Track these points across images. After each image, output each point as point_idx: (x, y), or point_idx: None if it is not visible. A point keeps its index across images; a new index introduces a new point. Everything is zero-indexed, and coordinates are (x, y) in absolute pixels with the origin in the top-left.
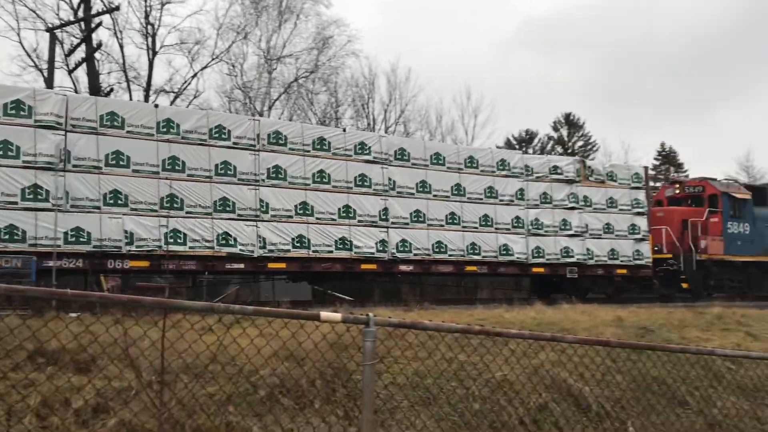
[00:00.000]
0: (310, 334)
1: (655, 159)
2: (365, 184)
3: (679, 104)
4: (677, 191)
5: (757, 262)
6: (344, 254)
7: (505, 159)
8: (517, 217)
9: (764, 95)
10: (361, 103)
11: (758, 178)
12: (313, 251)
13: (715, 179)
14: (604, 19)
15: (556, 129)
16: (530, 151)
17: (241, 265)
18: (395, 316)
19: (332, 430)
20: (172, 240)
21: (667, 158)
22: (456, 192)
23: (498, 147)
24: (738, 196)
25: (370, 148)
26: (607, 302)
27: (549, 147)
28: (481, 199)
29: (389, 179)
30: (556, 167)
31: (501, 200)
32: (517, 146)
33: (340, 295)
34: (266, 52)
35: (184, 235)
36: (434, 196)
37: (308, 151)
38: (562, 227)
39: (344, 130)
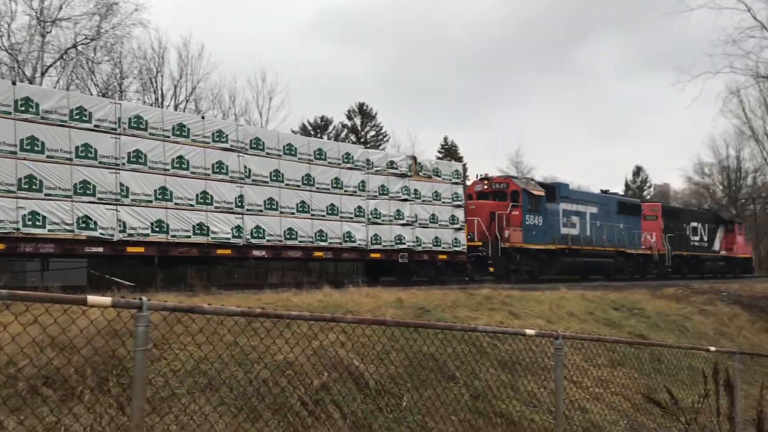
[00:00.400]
0: (75, 319)
1: (439, 152)
2: (222, 171)
3: (463, 102)
4: (485, 186)
5: (547, 250)
6: (201, 239)
7: (350, 153)
8: (359, 207)
9: (534, 98)
10: (149, 76)
11: (525, 172)
12: (172, 236)
13: (516, 177)
14: (401, 14)
15: (350, 117)
16: (324, 137)
17: (100, 249)
18: (179, 302)
19: (101, 420)
20: (30, 222)
21: (449, 151)
22: (306, 182)
23: (293, 132)
24: (534, 192)
25: (227, 136)
26: (393, 285)
27: (343, 135)
28: (329, 189)
29: (245, 167)
30: (392, 162)
31: (345, 191)
32: (312, 132)
33: (119, 280)
34: (39, 13)
35: (43, 217)
36: (286, 185)
37: (168, 137)
38: (397, 217)
39: (203, 117)
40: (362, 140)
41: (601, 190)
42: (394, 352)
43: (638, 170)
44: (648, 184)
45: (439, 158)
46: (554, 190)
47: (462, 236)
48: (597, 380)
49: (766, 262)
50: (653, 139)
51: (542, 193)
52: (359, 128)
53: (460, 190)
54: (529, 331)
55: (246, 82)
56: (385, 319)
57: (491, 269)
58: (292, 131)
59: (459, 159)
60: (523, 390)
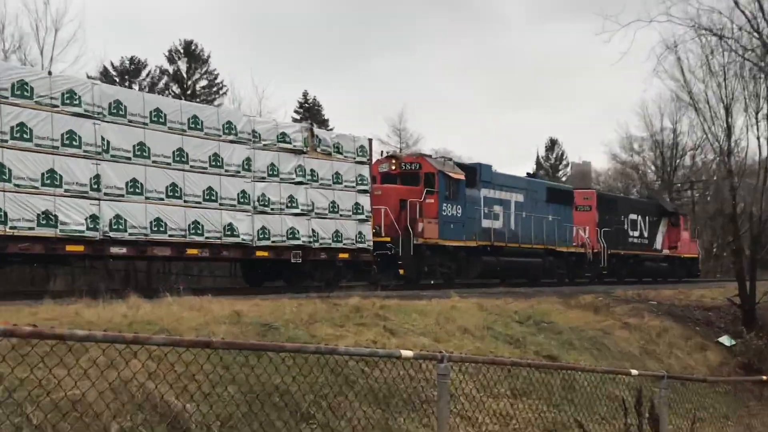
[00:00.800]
0: None
1: (296, 111)
2: (74, 143)
3: (331, 48)
4: (393, 167)
5: (467, 247)
6: (47, 232)
7: (232, 122)
8: (244, 192)
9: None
10: None
11: (411, 144)
12: (10, 227)
13: (430, 156)
14: None
15: (172, 61)
16: (136, 86)
17: None
18: None
19: None
20: None
21: (310, 111)
22: (178, 158)
23: (97, 78)
24: (453, 176)
25: (80, 97)
26: (233, 294)
27: (162, 84)
28: (206, 168)
29: (102, 138)
30: (284, 134)
31: (227, 171)
32: (117, 79)
33: None
34: None
35: None
36: (154, 162)
37: (6, 98)
38: (289, 204)
39: (49, 72)
40: (189, 92)
41: (528, 174)
42: (225, 385)
43: (552, 144)
44: (564, 162)
45: (295, 120)
46: (474, 173)
47: (368, 229)
48: (495, 415)
49: (705, 263)
50: (571, 106)
51: (462, 177)
52: (184, 75)
53: (365, 171)
54: (406, 353)
55: (22, 6)
56: (212, 340)
57: (401, 271)
58: (89, 77)
59: (323, 122)
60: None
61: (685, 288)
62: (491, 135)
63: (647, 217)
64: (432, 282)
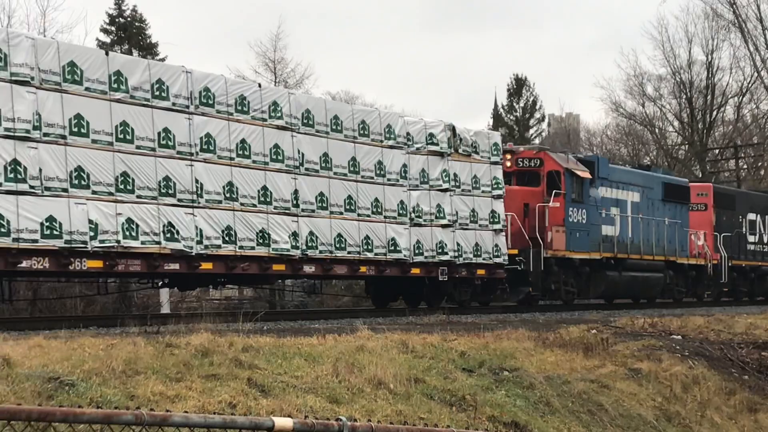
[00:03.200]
0: None
1: (104, 30)
2: (279, 158)
3: None
4: (507, 163)
5: (591, 260)
6: (263, 251)
7: (391, 125)
8: (402, 202)
9: None
10: None
11: (292, 84)
12: (239, 247)
13: (550, 150)
14: None
15: None
16: None
17: (176, 266)
18: None
19: None
20: (128, 233)
21: (127, 29)
22: (352, 169)
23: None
24: (580, 174)
25: (281, 109)
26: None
27: None
28: (372, 177)
29: (298, 151)
30: (431, 135)
31: (388, 179)
32: None
33: None
34: None
35: (136, 225)
36: (335, 173)
37: (231, 114)
38: (438, 215)
39: (259, 85)
40: None
41: (639, 165)
42: None
43: (519, 85)
44: (538, 115)
45: (103, 45)
46: (593, 169)
47: (503, 241)
48: None
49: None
50: (550, 27)
51: (588, 176)
52: None
53: (499, 172)
54: (281, 422)
55: None
56: None
57: (530, 289)
58: None
59: (149, 51)
60: None
61: (721, 314)
62: (423, 72)
63: (766, 217)
64: (562, 302)
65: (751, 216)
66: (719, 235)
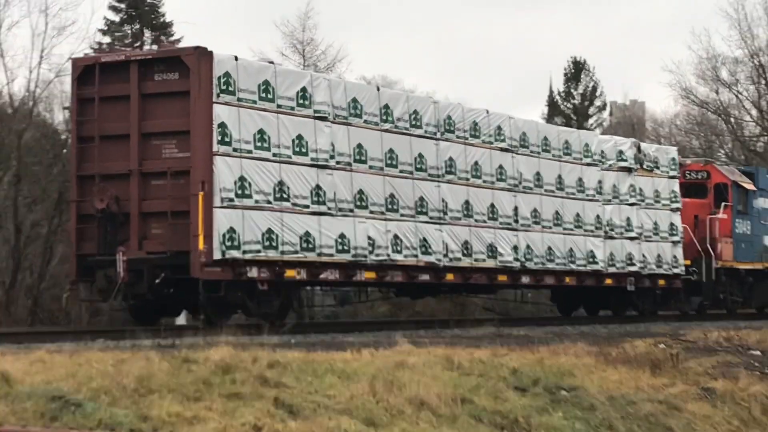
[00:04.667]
0: None
1: (113, 8)
2: (502, 177)
3: None
4: None
5: (755, 270)
6: (491, 263)
7: (589, 143)
8: (597, 216)
9: None
10: None
11: (323, 68)
12: (475, 259)
13: (717, 163)
14: None
15: None
16: None
17: (427, 277)
18: None
19: None
20: (395, 248)
21: (138, 7)
22: (558, 185)
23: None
24: (745, 186)
25: (504, 133)
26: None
27: None
28: (574, 193)
29: (517, 171)
30: (621, 152)
31: (587, 195)
32: None
33: None
34: None
35: (401, 241)
36: (546, 191)
37: (467, 139)
38: (627, 228)
39: (487, 111)
40: None
41: None
42: None
43: (578, 70)
44: (599, 102)
45: (111, 24)
46: (754, 180)
47: (680, 252)
48: None
49: None
50: (613, 5)
51: (753, 188)
52: None
53: (677, 186)
54: None
55: None
56: None
57: (702, 299)
58: None
59: (164, 31)
60: None
61: None
62: (471, 55)
63: None
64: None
65: None
66: None
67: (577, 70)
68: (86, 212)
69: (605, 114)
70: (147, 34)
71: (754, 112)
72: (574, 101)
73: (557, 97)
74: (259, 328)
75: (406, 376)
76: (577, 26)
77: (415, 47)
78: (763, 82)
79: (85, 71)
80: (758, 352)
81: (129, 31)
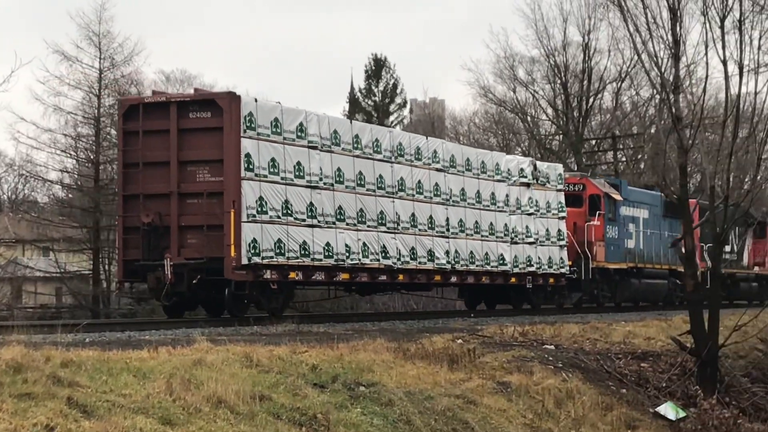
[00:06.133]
0: None
1: None
2: (437, 193)
3: None
4: None
5: (619, 270)
6: (430, 265)
7: (498, 163)
8: (505, 225)
9: None
10: None
11: (120, 62)
12: (418, 262)
13: (589, 175)
14: None
15: None
16: None
17: (384, 277)
18: None
19: None
20: (363, 254)
21: None
22: (477, 199)
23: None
24: (615, 197)
25: (438, 156)
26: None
27: None
28: (488, 206)
29: (448, 188)
30: (522, 169)
31: (497, 207)
32: None
33: None
34: None
35: (368, 248)
36: (468, 204)
37: (412, 162)
38: (527, 234)
39: (426, 138)
40: None
41: (645, 186)
42: None
43: (378, 67)
44: (399, 100)
45: None
46: (618, 191)
47: (565, 255)
48: None
49: None
50: (412, 3)
51: (620, 198)
52: None
53: (562, 198)
54: None
55: None
56: None
57: (582, 294)
58: None
59: None
60: None
61: (601, 320)
62: (275, 52)
63: (736, 228)
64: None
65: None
66: (704, 246)
67: (378, 67)
68: (131, 225)
69: (406, 111)
70: None
71: (549, 110)
72: (375, 98)
73: (358, 94)
74: (52, 327)
75: (204, 374)
76: (377, 27)
77: (217, 44)
78: (559, 81)
79: (130, 109)
80: (552, 347)
81: None
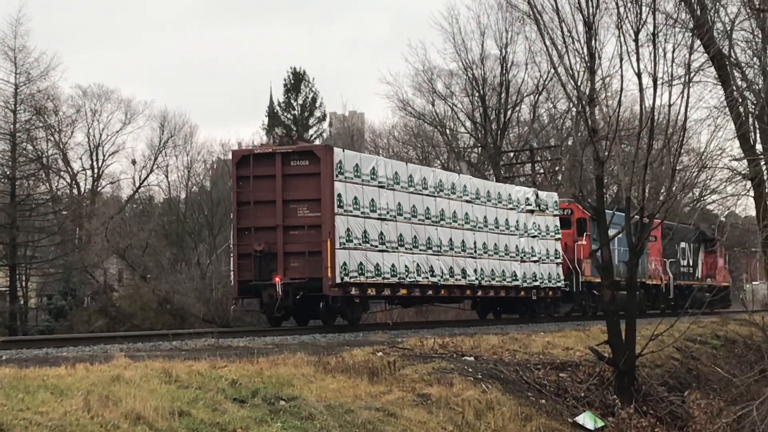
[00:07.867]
0: None
1: None
2: (467, 221)
3: None
4: None
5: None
6: (463, 282)
7: (510, 193)
8: (516, 246)
9: None
10: None
11: (36, 77)
12: (456, 279)
13: (574, 201)
14: None
15: None
16: None
17: (431, 292)
18: None
19: None
20: (417, 273)
21: None
22: (495, 225)
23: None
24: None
25: (467, 190)
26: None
27: None
28: (504, 231)
29: (475, 216)
30: (527, 198)
31: (509, 231)
32: None
33: None
34: None
35: (420, 268)
36: (489, 229)
37: (450, 196)
38: (532, 255)
39: (459, 174)
40: None
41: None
42: None
43: (297, 80)
44: (319, 113)
45: None
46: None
47: (561, 271)
48: None
49: None
50: (332, 17)
51: None
52: None
53: (558, 222)
54: None
55: None
56: None
57: (573, 305)
58: None
59: None
60: None
61: (520, 331)
62: (194, 64)
63: (691, 245)
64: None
65: (683, 244)
66: (666, 261)
67: (297, 81)
68: (244, 252)
69: (325, 125)
70: None
71: (468, 123)
72: (295, 112)
73: (278, 108)
74: None
75: (122, 391)
76: (298, 42)
77: (141, 59)
78: (477, 94)
79: (242, 159)
80: (472, 358)
81: None
